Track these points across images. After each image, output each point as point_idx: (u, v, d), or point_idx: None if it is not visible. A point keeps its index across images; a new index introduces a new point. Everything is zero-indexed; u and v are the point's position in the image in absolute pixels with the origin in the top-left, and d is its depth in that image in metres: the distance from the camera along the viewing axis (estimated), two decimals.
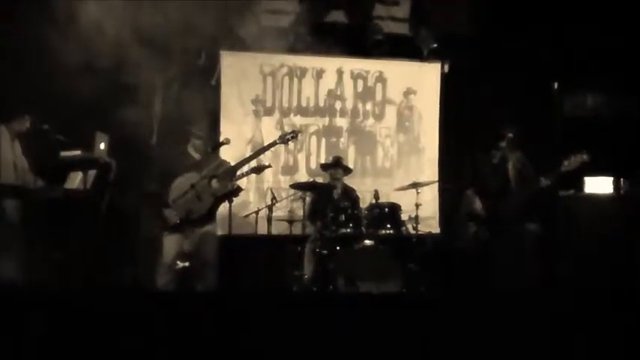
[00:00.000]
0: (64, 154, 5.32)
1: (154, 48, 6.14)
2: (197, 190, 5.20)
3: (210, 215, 5.34)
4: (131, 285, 5.91)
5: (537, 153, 6.06)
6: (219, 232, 5.78)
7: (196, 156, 5.53)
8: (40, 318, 3.54)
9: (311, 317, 4.45)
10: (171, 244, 5.33)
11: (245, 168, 5.53)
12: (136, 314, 4.16)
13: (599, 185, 6.82)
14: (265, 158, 6.39)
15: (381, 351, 3.73)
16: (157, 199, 5.38)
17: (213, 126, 6.92)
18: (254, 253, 6.77)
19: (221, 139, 6.36)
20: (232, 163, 5.43)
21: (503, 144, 5.98)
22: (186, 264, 5.35)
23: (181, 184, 5.25)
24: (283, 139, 5.58)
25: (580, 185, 6.83)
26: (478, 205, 5.91)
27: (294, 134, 5.65)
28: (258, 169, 5.76)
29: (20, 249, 5.26)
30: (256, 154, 5.63)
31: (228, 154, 6.01)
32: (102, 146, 5.60)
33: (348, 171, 6.85)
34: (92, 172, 5.49)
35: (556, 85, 7.22)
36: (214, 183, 5.28)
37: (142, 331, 3.81)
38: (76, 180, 5.55)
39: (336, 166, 6.71)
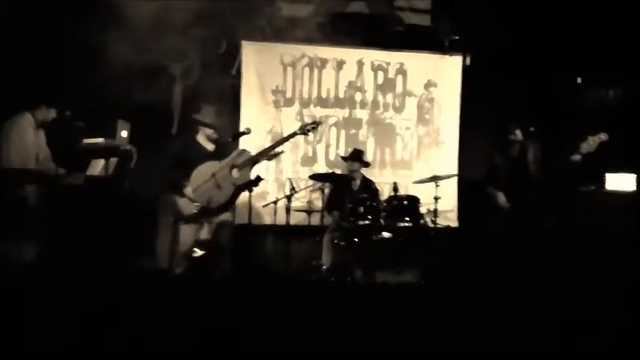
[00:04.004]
0: (87, 141, 5.37)
1: (175, 37, 6.19)
2: (217, 179, 5.22)
3: (229, 204, 5.36)
4: (149, 272, 5.94)
5: (558, 146, 6.00)
6: (239, 222, 5.81)
7: (208, 146, 5.53)
8: None
9: (328, 306, 4.49)
10: (187, 232, 5.36)
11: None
12: (153, 300, 4.23)
13: (620, 182, 6.72)
14: (284, 148, 6.38)
15: (397, 340, 3.75)
16: (175, 188, 5.39)
17: (234, 116, 6.94)
18: (273, 243, 6.79)
19: (241, 128, 6.39)
20: (252, 153, 5.44)
21: (521, 137, 5.96)
22: (203, 252, 5.38)
23: (202, 172, 5.27)
24: (303, 130, 5.57)
25: (601, 182, 6.76)
26: (502, 199, 5.90)
27: (315, 125, 5.64)
28: (271, 156, 5.74)
29: (40, 235, 5.30)
30: (277, 144, 5.61)
31: (248, 144, 6.03)
32: (123, 134, 5.65)
33: (366, 165, 6.85)
34: (113, 160, 5.54)
35: (579, 80, 7.13)
36: (235, 172, 5.30)
37: (158, 318, 3.87)
38: (97, 167, 5.61)
39: (355, 159, 6.71)
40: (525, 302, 4.54)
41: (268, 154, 5.50)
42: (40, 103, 5.42)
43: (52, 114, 5.47)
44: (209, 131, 5.49)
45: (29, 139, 5.37)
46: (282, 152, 5.87)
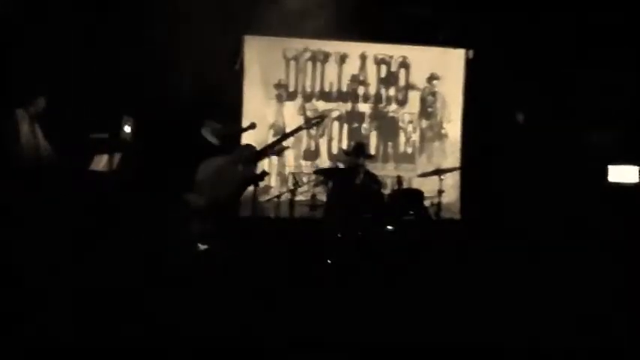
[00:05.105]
0: (92, 136, 5.36)
1: (179, 31, 6.17)
2: (223, 174, 5.21)
3: (235, 199, 5.35)
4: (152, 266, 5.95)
5: (563, 136, 6.03)
6: (243, 215, 5.81)
7: (212, 140, 5.52)
8: None
9: (333, 299, 4.50)
10: (194, 226, 5.36)
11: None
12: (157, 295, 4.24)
13: (623, 174, 6.71)
14: (288, 143, 6.38)
15: (401, 333, 3.77)
16: (181, 183, 5.39)
17: (236, 110, 6.93)
18: (276, 237, 6.78)
19: (244, 123, 6.38)
20: (257, 148, 5.43)
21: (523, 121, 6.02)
22: (207, 247, 5.37)
23: (207, 167, 5.26)
24: (309, 124, 5.57)
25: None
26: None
27: (320, 119, 5.64)
28: (279, 152, 5.74)
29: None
30: (282, 138, 5.61)
31: (251, 139, 6.01)
32: (127, 129, 5.64)
33: (369, 157, 6.84)
34: (117, 154, 5.53)
35: (581, 71, 7.12)
36: (240, 167, 5.29)
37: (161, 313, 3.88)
38: (101, 162, 5.59)
39: (358, 153, 6.70)
40: (530, 296, 4.57)
41: (273, 148, 5.49)
42: (29, 96, 5.40)
43: (42, 103, 5.44)
44: (217, 126, 5.47)
45: (27, 136, 5.36)
46: (287, 147, 5.85)
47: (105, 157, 5.56)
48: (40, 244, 5.00)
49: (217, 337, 3.54)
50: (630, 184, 6.64)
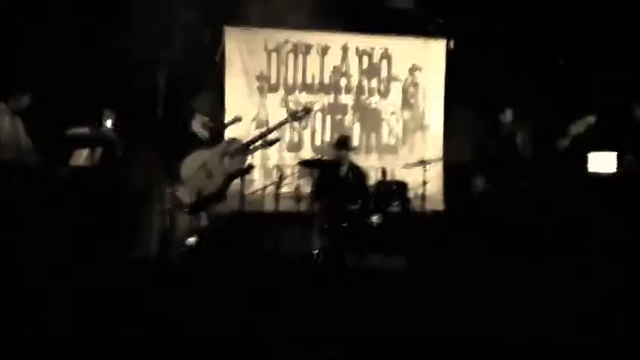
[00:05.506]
0: (72, 131, 5.26)
1: (158, 22, 6.08)
2: (208, 168, 5.17)
3: (221, 193, 5.32)
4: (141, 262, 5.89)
5: (546, 129, 6.08)
6: (230, 209, 5.77)
7: (202, 133, 5.48)
8: None
9: (319, 291, 4.53)
10: (182, 221, 5.32)
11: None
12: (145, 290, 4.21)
13: (602, 162, 6.78)
14: (275, 135, 6.33)
15: (386, 322, 3.80)
16: (166, 178, 5.34)
17: (218, 103, 6.85)
18: (262, 230, 6.75)
19: (226, 116, 6.32)
20: (243, 141, 5.40)
21: (511, 119, 6.04)
22: (195, 241, 5.35)
23: (192, 162, 5.22)
24: (295, 117, 5.54)
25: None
26: (479, 183, 6.01)
27: (306, 112, 5.61)
28: (269, 144, 5.71)
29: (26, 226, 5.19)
30: (268, 131, 5.57)
31: (233, 132, 5.97)
32: (109, 123, 5.56)
33: (353, 150, 6.84)
34: (98, 149, 5.45)
35: (561, 61, 7.20)
36: (226, 161, 5.26)
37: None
38: (81, 157, 5.49)
39: (343, 147, 6.69)
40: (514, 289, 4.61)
41: (259, 141, 5.46)
42: (13, 90, 5.28)
43: (25, 100, 5.33)
44: (205, 119, 5.43)
45: (6, 128, 5.24)
46: (278, 140, 5.81)
47: (85, 152, 5.47)
48: (27, 242, 4.95)
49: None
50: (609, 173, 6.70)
